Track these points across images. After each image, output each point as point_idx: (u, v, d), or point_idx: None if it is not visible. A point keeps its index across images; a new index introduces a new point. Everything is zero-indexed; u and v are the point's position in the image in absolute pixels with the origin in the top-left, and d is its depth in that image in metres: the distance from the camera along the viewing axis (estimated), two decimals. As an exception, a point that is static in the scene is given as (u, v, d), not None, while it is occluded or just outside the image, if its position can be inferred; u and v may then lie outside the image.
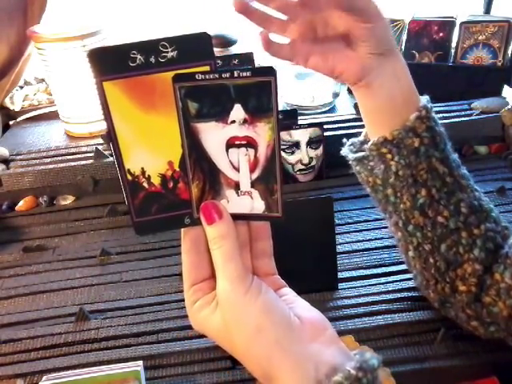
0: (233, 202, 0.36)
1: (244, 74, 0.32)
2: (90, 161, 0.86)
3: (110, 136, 0.34)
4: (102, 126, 0.97)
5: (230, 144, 0.34)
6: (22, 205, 0.85)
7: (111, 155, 0.83)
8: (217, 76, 0.33)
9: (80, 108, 0.94)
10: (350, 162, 0.57)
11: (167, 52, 0.33)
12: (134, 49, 0.32)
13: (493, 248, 0.51)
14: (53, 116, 1.03)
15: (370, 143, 0.52)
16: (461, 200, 0.51)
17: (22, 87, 1.12)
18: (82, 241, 0.79)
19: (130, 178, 0.35)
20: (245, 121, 0.34)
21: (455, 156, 0.53)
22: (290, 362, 0.33)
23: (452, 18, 1.02)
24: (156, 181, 0.36)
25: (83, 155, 0.89)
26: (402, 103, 0.50)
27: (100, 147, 0.87)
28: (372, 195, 0.56)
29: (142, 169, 0.35)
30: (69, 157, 0.89)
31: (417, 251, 0.53)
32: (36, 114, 1.06)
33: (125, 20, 1.36)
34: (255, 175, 0.35)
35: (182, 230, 0.37)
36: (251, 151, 0.34)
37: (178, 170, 0.36)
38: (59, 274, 0.72)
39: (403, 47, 1.05)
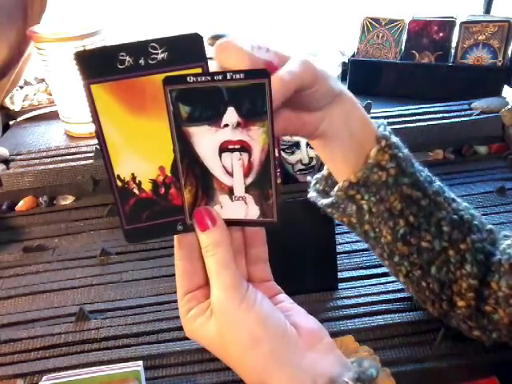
0: (226, 208, 0.35)
1: (237, 76, 0.31)
2: (90, 161, 0.86)
3: (99, 141, 0.33)
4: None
5: (223, 148, 0.33)
6: (22, 205, 0.85)
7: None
8: (209, 78, 0.32)
9: (80, 108, 0.94)
10: (320, 205, 0.54)
11: (157, 54, 0.32)
12: (123, 50, 0.31)
13: (483, 258, 0.49)
14: (53, 116, 1.03)
15: (335, 190, 0.49)
16: (440, 219, 0.49)
17: (22, 87, 1.12)
18: (81, 241, 0.79)
19: (119, 184, 0.34)
20: (238, 124, 0.33)
21: (425, 172, 0.50)
22: (285, 375, 0.32)
23: (452, 18, 1.02)
24: (147, 187, 0.35)
25: (83, 155, 0.88)
26: (360, 138, 0.47)
27: (100, 147, 0.87)
28: (351, 230, 0.53)
29: (133, 174, 0.34)
30: (69, 157, 0.89)
31: (407, 278, 0.51)
32: (36, 114, 1.06)
33: (125, 20, 1.36)
34: (249, 180, 0.34)
35: (175, 236, 0.36)
36: (245, 155, 0.33)
37: (169, 175, 0.35)
38: (59, 274, 0.72)
39: (403, 47, 1.05)
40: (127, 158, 0.34)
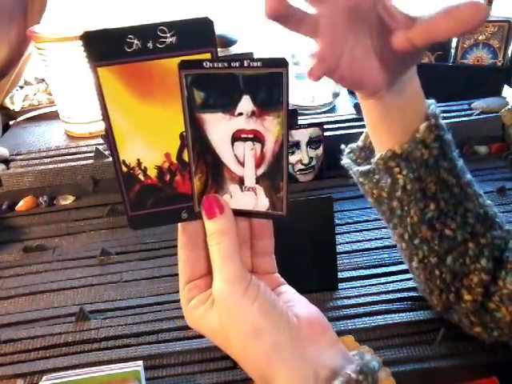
0: (236, 198, 0.35)
1: (254, 63, 0.31)
2: (90, 161, 0.86)
3: (105, 125, 0.32)
4: (102, 126, 0.97)
5: (236, 137, 0.33)
6: (22, 205, 0.85)
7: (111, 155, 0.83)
8: (226, 65, 0.31)
9: (80, 108, 0.94)
10: (352, 173, 0.54)
11: (166, 37, 0.31)
12: (131, 33, 0.30)
13: (498, 255, 0.50)
14: (53, 116, 1.03)
15: (376, 157, 0.49)
16: (467, 210, 0.49)
17: (22, 87, 1.12)
18: (81, 241, 0.79)
19: (125, 169, 0.34)
20: (253, 113, 0.32)
21: (461, 162, 0.50)
22: (288, 367, 0.32)
23: (452, 17, 1.02)
24: (152, 173, 0.34)
25: (83, 155, 0.88)
26: (412, 112, 0.48)
27: (100, 147, 0.87)
28: (375, 205, 0.53)
29: (138, 160, 0.34)
30: (69, 157, 0.89)
31: (422, 263, 0.51)
32: (36, 114, 1.05)
33: (125, 20, 1.36)
34: (261, 171, 0.34)
35: (179, 224, 0.35)
36: (258, 146, 0.33)
37: (175, 162, 0.34)
38: (59, 274, 0.72)
39: (403, 47, 1.05)
40: (133, 143, 0.33)
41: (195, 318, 0.35)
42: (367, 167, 0.51)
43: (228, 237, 0.33)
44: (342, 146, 0.57)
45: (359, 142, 0.56)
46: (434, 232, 0.49)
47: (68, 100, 0.94)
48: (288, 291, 0.37)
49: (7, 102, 1.06)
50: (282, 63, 0.31)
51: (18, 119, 1.05)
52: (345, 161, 0.56)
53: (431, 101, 0.50)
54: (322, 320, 0.35)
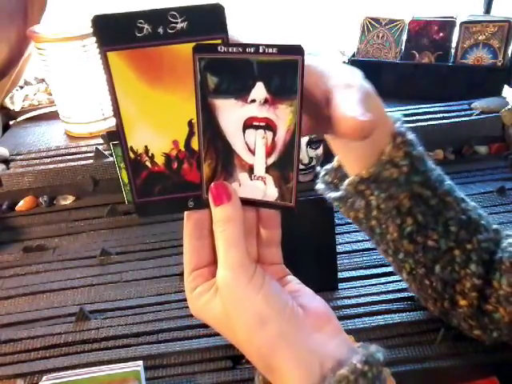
0: (245, 186, 0.34)
1: (270, 50, 0.30)
2: (90, 161, 0.86)
3: (114, 110, 0.32)
4: (102, 126, 0.97)
5: (248, 124, 0.32)
6: (22, 205, 0.85)
7: (111, 155, 0.83)
8: (240, 50, 0.30)
9: (80, 108, 0.94)
10: (327, 198, 0.53)
11: (177, 23, 0.30)
12: (142, 18, 0.30)
13: (488, 258, 0.49)
14: (53, 116, 1.03)
15: (345, 183, 0.48)
16: (449, 219, 0.48)
17: (22, 87, 1.12)
18: (81, 241, 0.79)
19: (132, 156, 0.33)
20: (266, 101, 0.31)
21: (437, 172, 0.49)
22: (293, 355, 0.32)
23: (452, 18, 1.02)
24: (160, 160, 0.34)
25: (83, 155, 0.89)
26: (378, 135, 0.45)
27: (100, 147, 0.87)
28: (356, 224, 0.52)
29: (146, 147, 0.33)
30: (69, 157, 0.89)
31: (411, 275, 0.51)
32: (36, 114, 1.06)
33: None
34: (271, 160, 0.33)
35: (186, 212, 0.35)
36: (269, 134, 0.32)
37: (183, 149, 0.34)
38: (59, 274, 0.72)
39: (403, 47, 1.05)
40: (141, 129, 0.33)
41: (199, 306, 0.35)
42: (339, 193, 0.50)
43: (234, 224, 0.33)
44: (318, 168, 0.56)
45: (334, 163, 0.55)
46: (416, 245, 0.49)
47: (68, 100, 0.95)
48: (293, 281, 0.37)
49: (7, 102, 1.06)
50: (298, 50, 0.30)
51: (18, 119, 1.06)
52: (319, 186, 0.54)
53: (397, 116, 0.48)
54: (326, 309, 0.35)
